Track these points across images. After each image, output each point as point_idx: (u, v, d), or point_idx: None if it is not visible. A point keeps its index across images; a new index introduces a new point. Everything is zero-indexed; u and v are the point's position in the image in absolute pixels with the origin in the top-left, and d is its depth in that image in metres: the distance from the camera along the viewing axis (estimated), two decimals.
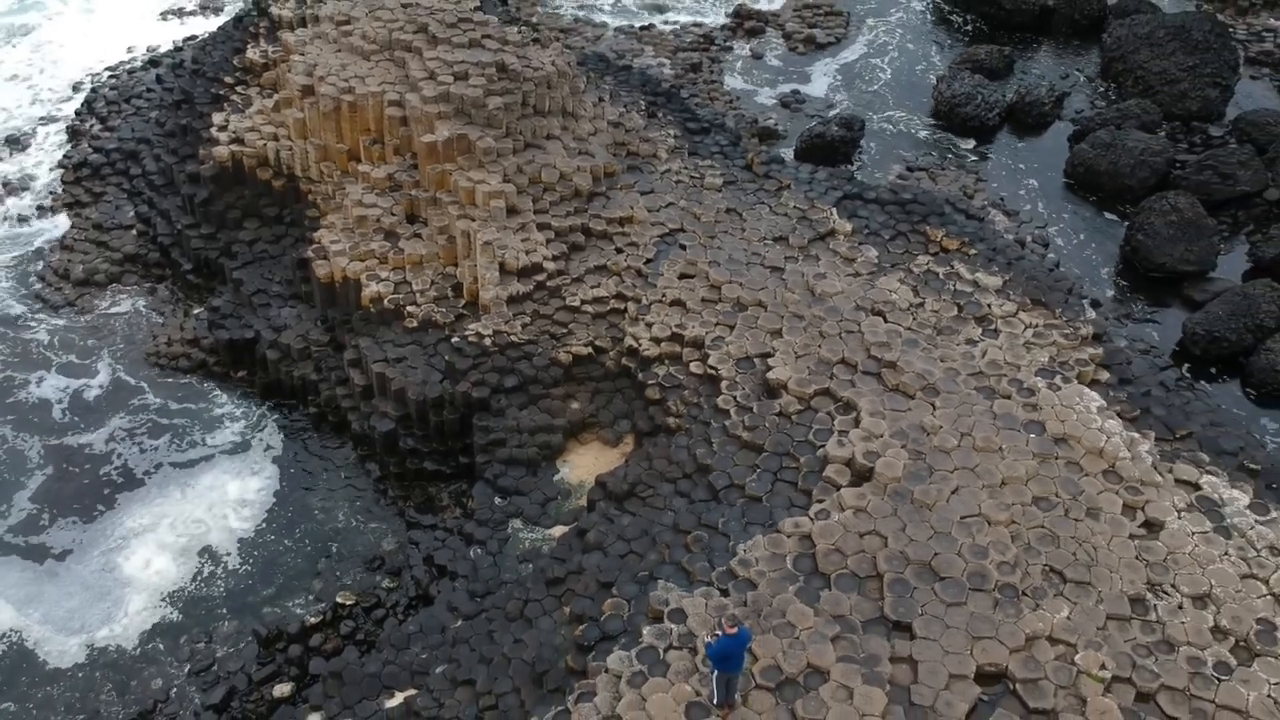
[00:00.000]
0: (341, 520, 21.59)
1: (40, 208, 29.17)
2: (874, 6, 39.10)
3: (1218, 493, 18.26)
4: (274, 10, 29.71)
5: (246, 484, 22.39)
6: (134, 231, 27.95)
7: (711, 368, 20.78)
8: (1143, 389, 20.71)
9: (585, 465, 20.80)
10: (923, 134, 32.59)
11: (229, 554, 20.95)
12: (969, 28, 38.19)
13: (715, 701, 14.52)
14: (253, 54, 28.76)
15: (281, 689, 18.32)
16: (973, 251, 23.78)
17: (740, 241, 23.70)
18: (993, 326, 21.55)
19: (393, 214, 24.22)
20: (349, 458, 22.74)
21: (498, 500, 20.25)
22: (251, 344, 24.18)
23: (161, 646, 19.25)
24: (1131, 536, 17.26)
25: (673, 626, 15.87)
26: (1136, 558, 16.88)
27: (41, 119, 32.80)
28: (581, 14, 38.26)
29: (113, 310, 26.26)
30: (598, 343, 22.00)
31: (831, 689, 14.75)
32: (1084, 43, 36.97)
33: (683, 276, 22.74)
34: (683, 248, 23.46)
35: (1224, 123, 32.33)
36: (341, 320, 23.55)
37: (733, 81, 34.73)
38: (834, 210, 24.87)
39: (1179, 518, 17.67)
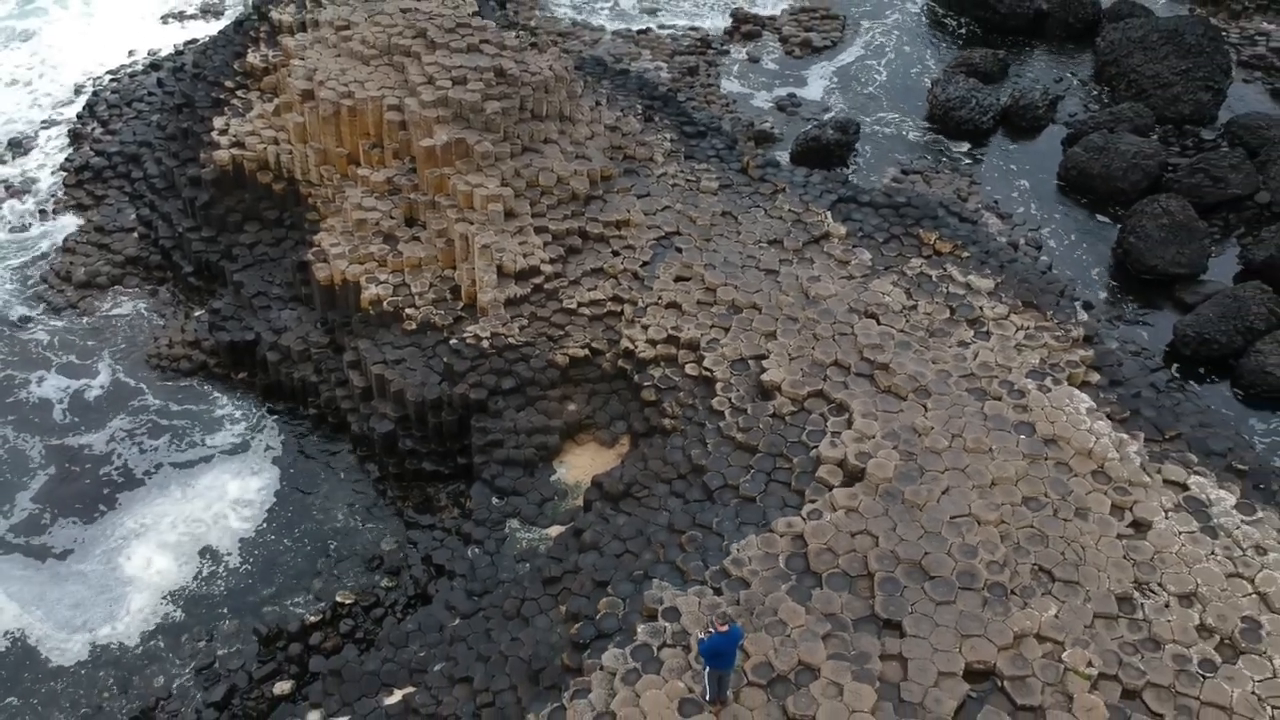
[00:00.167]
0: (341, 520, 21.83)
1: (42, 210, 29.39)
2: (870, 10, 39.37)
3: (1205, 493, 18.51)
4: (274, 15, 29.93)
5: (247, 484, 22.63)
6: (135, 234, 28.17)
7: (706, 369, 21.03)
8: (1133, 390, 20.96)
9: (582, 466, 21.05)
10: (917, 137, 32.85)
11: (229, 553, 21.18)
12: (963, 31, 38.46)
13: (708, 698, 14.77)
14: (253, 58, 28.98)
15: (282, 687, 18.54)
16: (965, 254, 24.04)
17: (735, 244, 23.95)
18: (984, 329, 21.81)
19: (392, 217, 24.46)
20: (348, 458, 22.99)
21: (495, 500, 20.49)
22: (252, 346, 24.41)
23: (163, 644, 19.50)
24: (1119, 536, 17.50)
25: (666, 625, 16.12)
26: (1124, 557, 17.12)
27: (43, 122, 33.02)
28: (579, 18, 38.51)
29: (114, 312, 26.50)
30: (594, 345, 22.24)
31: (822, 686, 15.00)
32: (1078, 46, 37.23)
33: (678, 279, 22.99)
34: (679, 250, 23.71)
35: (1216, 126, 32.58)
36: (341, 322, 23.78)
37: (729, 85, 34.98)
38: (828, 213, 25.13)
39: (1166, 518, 17.92)
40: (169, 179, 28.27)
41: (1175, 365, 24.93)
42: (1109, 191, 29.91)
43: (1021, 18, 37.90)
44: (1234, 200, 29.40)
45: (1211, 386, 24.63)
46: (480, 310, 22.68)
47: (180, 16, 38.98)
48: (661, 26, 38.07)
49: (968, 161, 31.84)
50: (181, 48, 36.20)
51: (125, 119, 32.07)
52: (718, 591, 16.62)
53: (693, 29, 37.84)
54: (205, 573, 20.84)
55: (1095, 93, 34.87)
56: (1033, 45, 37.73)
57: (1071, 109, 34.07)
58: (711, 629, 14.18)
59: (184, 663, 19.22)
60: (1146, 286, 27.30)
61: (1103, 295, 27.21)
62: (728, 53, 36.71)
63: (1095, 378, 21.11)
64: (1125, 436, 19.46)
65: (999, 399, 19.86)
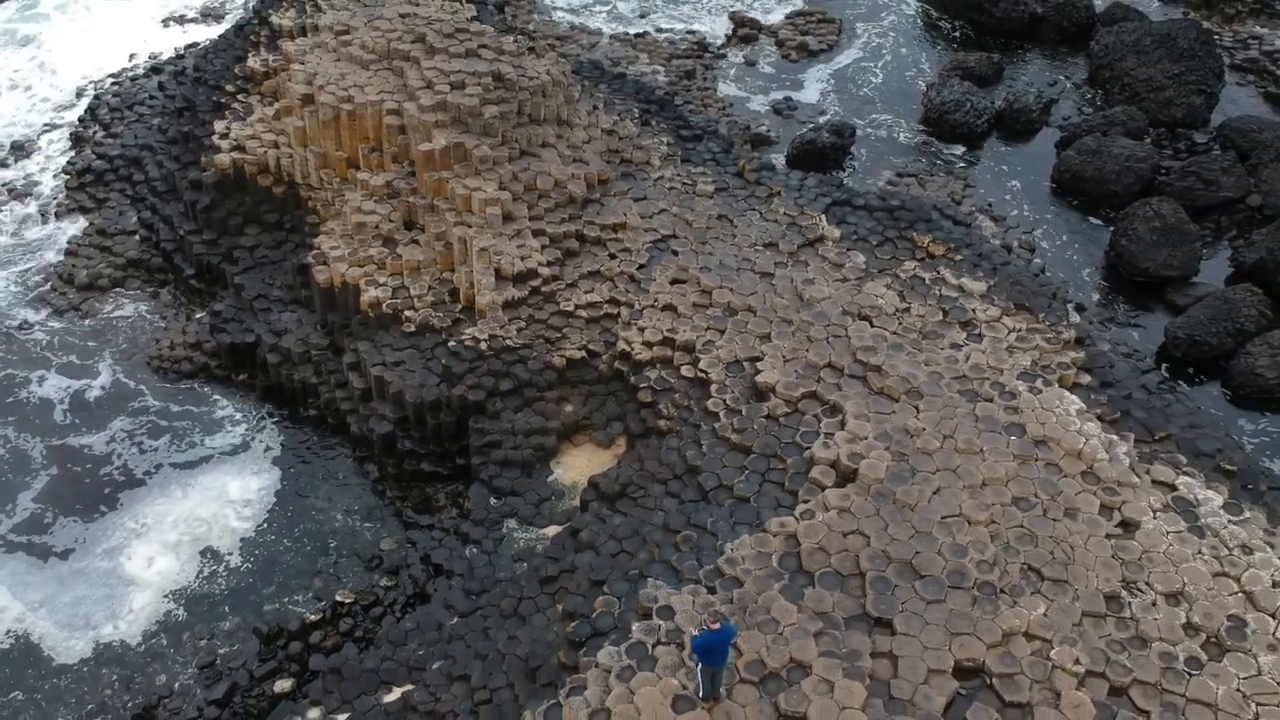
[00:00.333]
0: (341, 520, 22.06)
1: (45, 213, 29.64)
2: (865, 13, 39.63)
3: (1193, 493, 18.75)
4: (274, 19, 30.19)
5: (247, 484, 22.85)
6: (137, 237, 28.42)
7: (702, 371, 21.28)
8: (1124, 392, 21.21)
9: (578, 466, 21.30)
10: (912, 140, 33.10)
11: (230, 553, 21.41)
12: (958, 34, 38.72)
13: (701, 694, 15.02)
14: (253, 62, 29.24)
15: (282, 684, 18.74)
16: (959, 257, 24.30)
17: (731, 247, 24.20)
18: (976, 331, 22.06)
19: (391, 220, 24.71)
20: (348, 459, 23.23)
21: (493, 501, 20.74)
22: (252, 348, 24.65)
23: (165, 642, 19.73)
24: (1108, 536, 17.74)
25: (661, 623, 16.37)
26: (1112, 556, 17.37)
27: (45, 125, 33.27)
28: (577, 21, 38.76)
29: (116, 314, 26.73)
30: (591, 347, 22.49)
31: (813, 683, 15.25)
32: (1072, 50, 37.50)
33: (674, 282, 23.24)
34: (675, 253, 23.96)
35: (1209, 129, 32.84)
36: (341, 325, 24.02)
37: (726, 88, 35.23)
38: (823, 216, 25.39)
39: (1154, 517, 18.16)
40: (170, 182, 28.53)
41: (1165, 366, 25.17)
42: (1102, 194, 30.18)
43: (1016, 21, 38.18)
44: (1225, 203, 29.67)
45: (1202, 388, 24.88)
46: (478, 313, 22.93)
47: (181, 20, 39.23)
48: (658, 30, 38.32)
49: (962, 164, 32.10)
50: (182, 51, 36.43)
51: (126, 122, 32.34)
52: (712, 590, 16.87)
53: (690, 32, 38.09)
54: (206, 572, 21.07)
55: (1089, 96, 35.13)
56: (1027, 49, 38.01)
57: (1065, 112, 34.33)
58: (704, 626, 14.43)
59: (186, 661, 19.45)
60: (1138, 289, 27.56)
61: (1095, 297, 27.47)
62: (725, 56, 36.97)
63: (1086, 379, 21.36)
64: (1115, 437, 19.71)
65: (990, 400, 20.12)
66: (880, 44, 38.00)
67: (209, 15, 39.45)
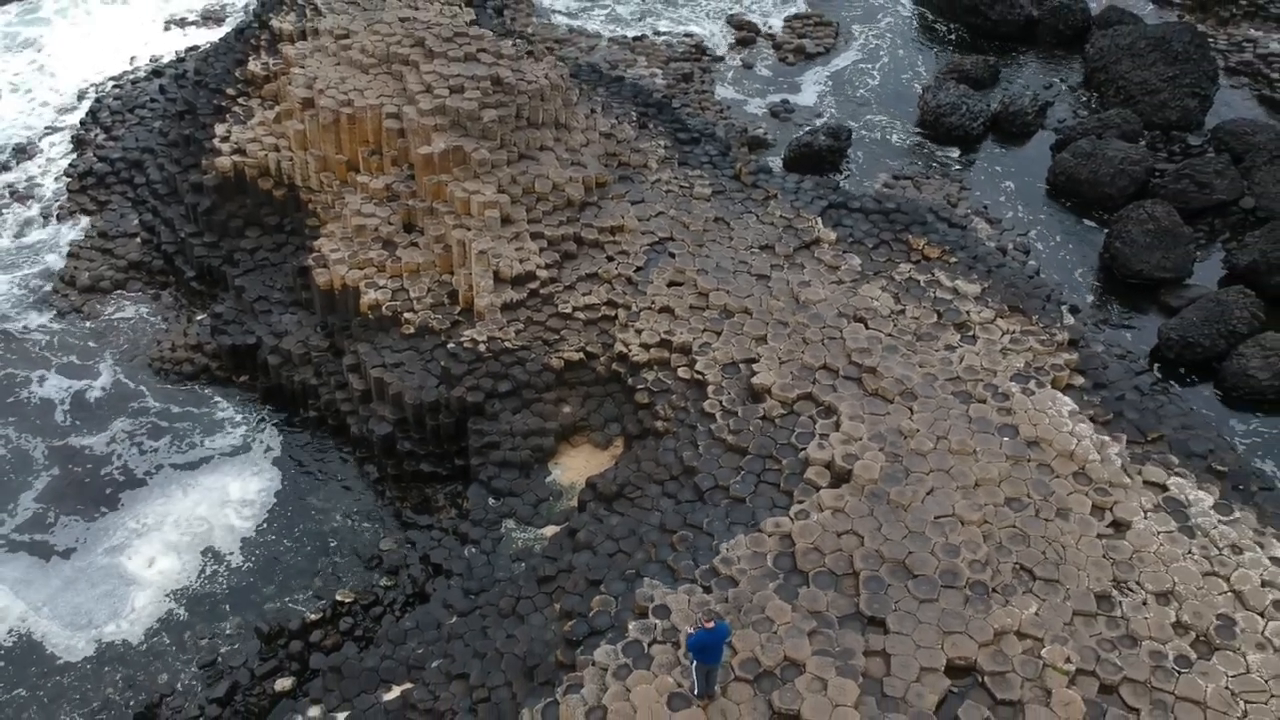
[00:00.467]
0: (340, 520, 22.26)
1: (46, 215, 29.85)
2: (862, 16, 39.86)
3: (1184, 494, 18.95)
4: (274, 23, 30.40)
5: (248, 485, 23.04)
6: (138, 239, 28.61)
7: (698, 373, 21.48)
8: (1117, 393, 21.39)
9: (576, 467, 21.49)
10: (908, 143, 33.33)
11: (231, 553, 21.60)
12: (954, 37, 38.94)
13: (696, 692, 15.22)
14: (254, 66, 29.44)
15: (283, 683, 18.90)
16: (953, 259, 24.50)
17: (728, 250, 24.41)
18: (971, 333, 22.25)
19: (390, 223, 24.91)
20: (348, 460, 23.42)
21: (492, 501, 20.93)
22: (253, 349, 24.85)
23: (167, 641, 19.92)
24: (1099, 536, 17.93)
25: (657, 622, 16.56)
26: (1104, 556, 17.55)
27: (47, 128, 33.47)
28: (575, 24, 38.97)
29: (117, 316, 26.91)
30: (589, 348, 22.68)
31: (807, 681, 15.45)
32: (1068, 53, 37.74)
33: (672, 284, 23.44)
34: (672, 256, 24.16)
35: (1203, 132, 33.07)
36: (341, 326, 24.22)
37: (723, 91, 35.44)
38: (819, 219, 25.59)
39: (1145, 518, 18.35)
40: (171, 185, 28.72)
41: (1156, 365, 25.38)
42: (1096, 197, 30.40)
43: (1012, 24, 38.42)
44: (1219, 205, 29.90)
45: (1194, 389, 25.09)
46: (477, 315, 23.13)
47: (181, 23, 39.43)
48: (656, 33, 38.53)
49: (958, 167, 32.33)
50: (183, 54, 36.63)
51: (128, 125, 32.54)
52: (707, 590, 17.06)
53: (688, 35, 38.30)
54: (207, 572, 21.26)
55: (1084, 99, 35.36)
56: (1023, 52, 38.24)
57: (1060, 115, 34.56)
58: (699, 625, 14.64)
59: (187, 659, 19.64)
60: (1132, 290, 27.79)
61: (1089, 299, 27.68)
62: (722, 59, 37.18)
63: (1080, 380, 21.54)
64: (1107, 438, 19.91)
65: (983, 402, 20.32)
66: (877, 47, 38.23)
67: (209, 18, 39.67)
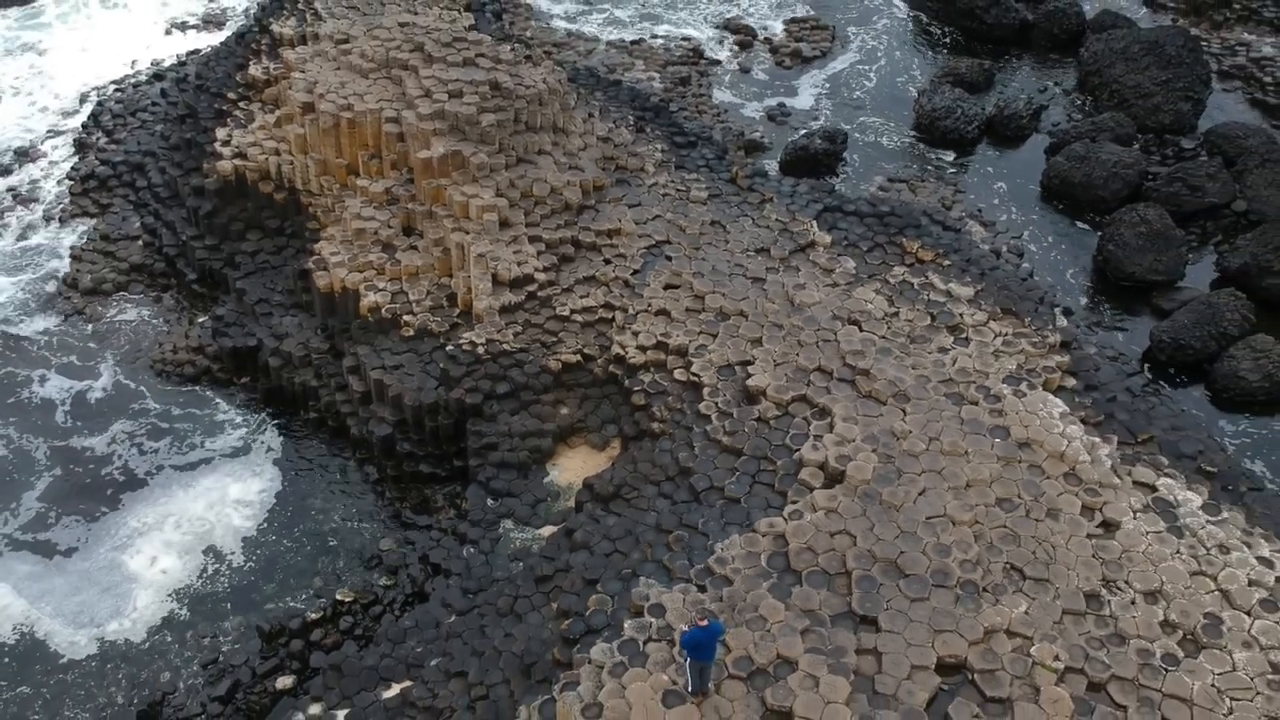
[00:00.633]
0: (340, 520, 22.49)
1: (49, 218, 30.07)
2: (858, 20, 40.13)
3: (1173, 494, 19.19)
4: (275, 27, 30.62)
5: (249, 485, 23.27)
6: (140, 242, 28.84)
7: (694, 375, 21.72)
8: (1108, 395, 21.62)
9: (573, 468, 21.74)
10: (904, 146, 33.57)
11: (233, 553, 21.84)
12: (949, 41, 39.19)
13: (690, 689, 15.46)
14: (255, 70, 29.67)
15: (284, 681, 19.13)
16: (947, 262, 24.74)
17: (724, 253, 24.66)
18: (964, 335, 22.49)
19: (390, 227, 25.14)
20: (348, 461, 23.66)
21: (490, 502, 21.18)
22: (254, 351, 25.08)
23: (169, 640, 20.17)
24: (1089, 536, 18.17)
25: (652, 620, 16.80)
26: (1093, 556, 17.79)
27: (49, 131, 33.71)
28: (573, 28, 39.21)
29: (119, 318, 27.14)
30: (586, 351, 22.93)
31: (799, 678, 15.69)
32: (1062, 56, 38.01)
33: (668, 287, 23.69)
34: (668, 259, 24.41)
35: (1195, 135, 33.31)
36: (341, 329, 24.46)
37: (721, 95, 35.69)
38: (814, 222, 25.84)
39: (1134, 518, 18.59)
40: (173, 188, 28.95)
41: (1147, 367, 25.63)
42: (1090, 200, 30.65)
43: (1007, 28, 38.68)
44: (1211, 209, 30.15)
45: (1185, 390, 25.35)
46: (476, 317, 23.37)
47: (183, 27, 39.66)
48: (654, 37, 38.77)
49: (953, 170, 32.58)
50: (184, 58, 36.88)
51: (129, 129, 32.78)
52: (702, 589, 17.31)
53: (685, 39, 38.54)
54: (209, 571, 21.49)
55: (1079, 102, 35.62)
56: (1018, 55, 38.51)
57: (1055, 118, 34.82)
58: (693, 623, 14.88)
59: (189, 658, 19.87)
60: (1125, 293, 28.04)
61: (1082, 301, 27.93)
62: (719, 63, 37.42)
63: (1071, 382, 21.79)
64: (1097, 440, 20.15)
65: (975, 404, 20.56)
66: (873, 50, 38.50)
67: (210, 23, 39.91)
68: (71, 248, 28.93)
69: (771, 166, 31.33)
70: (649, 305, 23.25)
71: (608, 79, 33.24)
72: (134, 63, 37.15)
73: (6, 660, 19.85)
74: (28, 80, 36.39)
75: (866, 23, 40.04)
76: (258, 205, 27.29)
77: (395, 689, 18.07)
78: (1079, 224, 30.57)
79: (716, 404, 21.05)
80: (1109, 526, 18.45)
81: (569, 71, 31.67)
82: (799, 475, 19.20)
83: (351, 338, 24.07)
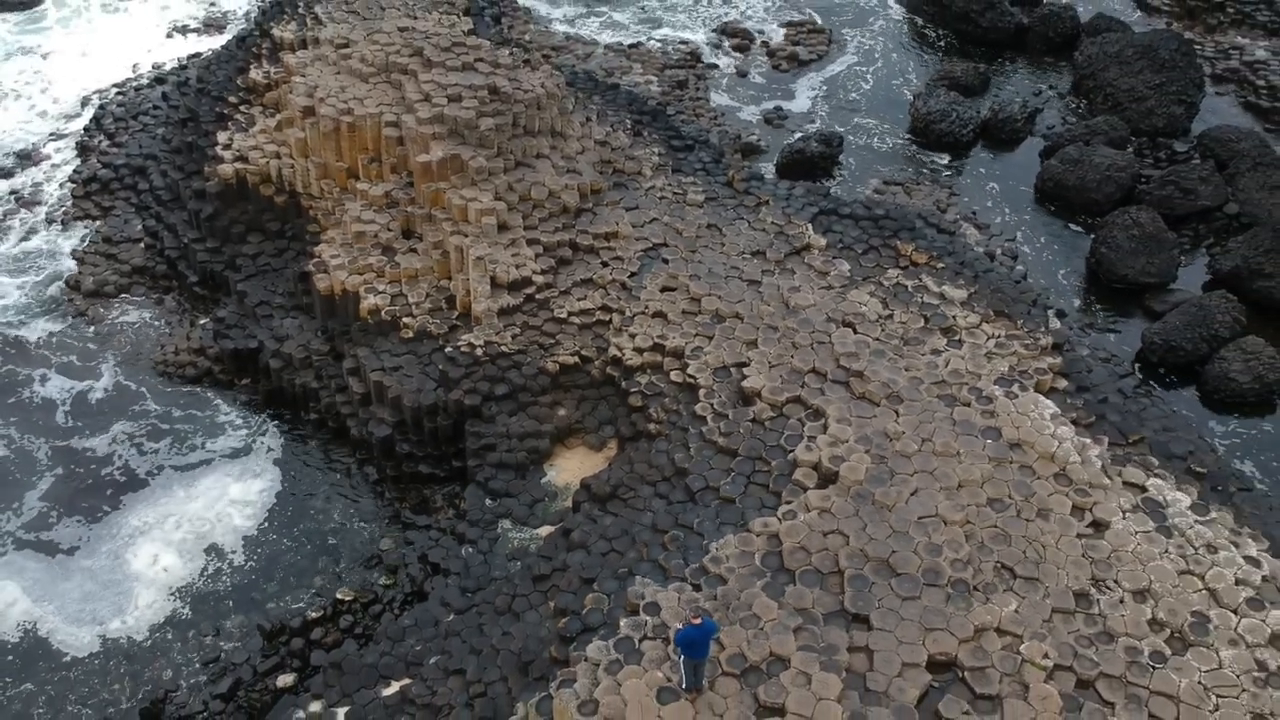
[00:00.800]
0: (341, 520, 22.72)
1: (51, 221, 30.29)
2: (854, 24, 40.41)
3: (1162, 494, 19.41)
4: (276, 32, 30.83)
5: (249, 485, 23.50)
6: (142, 245, 29.06)
7: (690, 376, 21.95)
8: (1100, 396, 21.83)
9: (571, 469, 21.97)
10: (899, 149, 33.84)
11: (233, 552, 22.07)
12: (945, 44, 39.45)
13: (684, 686, 15.69)
14: (255, 74, 29.89)
15: (285, 679, 19.35)
16: (940, 265, 24.96)
17: (720, 256, 24.89)
18: (957, 337, 22.72)
19: (389, 230, 25.38)
20: (348, 462, 23.88)
21: (488, 502, 21.41)
22: (255, 353, 25.30)
23: (171, 638, 20.40)
24: (1079, 535, 18.37)
25: (648, 619, 17.03)
26: (1082, 555, 18.00)
27: (51, 135, 33.94)
28: (572, 32, 39.47)
29: (121, 320, 27.36)
30: (584, 352, 23.16)
31: (792, 675, 15.93)
32: (1057, 60, 38.31)
33: (665, 289, 23.93)
34: (665, 262, 24.64)
35: (1189, 139, 33.59)
36: (341, 331, 24.68)
37: (718, 98, 35.95)
38: (809, 225, 26.07)
39: (1124, 518, 18.81)
40: (174, 191, 29.18)
41: (1138, 367, 25.88)
42: (1083, 202, 30.91)
43: (1002, 31, 38.94)
44: (1203, 211, 30.42)
45: (1177, 392, 25.61)
46: (474, 319, 23.60)
47: (184, 30, 39.88)
48: (652, 40, 39.01)
49: (948, 173, 32.84)
50: (185, 62, 37.10)
51: (131, 132, 33.00)
52: (697, 588, 17.53)
53: (683, 42, 38.79)
54: (210, 570, 21.71)
55: (1073, 106, 35.88)
56: (1013, 59, 38.79)
57: (1049, 121, 35.07)
58: (687, 621, 15.13)
59: (191, 656, 20.09)
60: (1117, 295, 28.30)
61: (1075, 303, 28.19)
62: (717, 66, 37.67)
63: (1064, 384, 21.99)
64: (1088, 440, 20.38)
65: (968, 405, 20.79)
66: (869, 54, 38.77)
67: (211, 26, 40.14)
68: (73, 250, 29.17)
69: (768, 169, 31.61)
70: (646, 307, 23.49)
71: (606, 82, 33.47)
72: (135, 66, 37.40)
73: (10, 658, 20.10)
74: (29, 84, 36.62)
75: (863, 26, 40.31)
76: (258, 208, 27.51)
77: (395, 687, 18.29)
78: (1072, 226, 30.84)
79: (712, 405, 21.29)
80: (1099, 526, 18.66)
81: (567, 75, 31.90)
82: (793, 476, 19.43)
83: (351, 340, 24.29)
